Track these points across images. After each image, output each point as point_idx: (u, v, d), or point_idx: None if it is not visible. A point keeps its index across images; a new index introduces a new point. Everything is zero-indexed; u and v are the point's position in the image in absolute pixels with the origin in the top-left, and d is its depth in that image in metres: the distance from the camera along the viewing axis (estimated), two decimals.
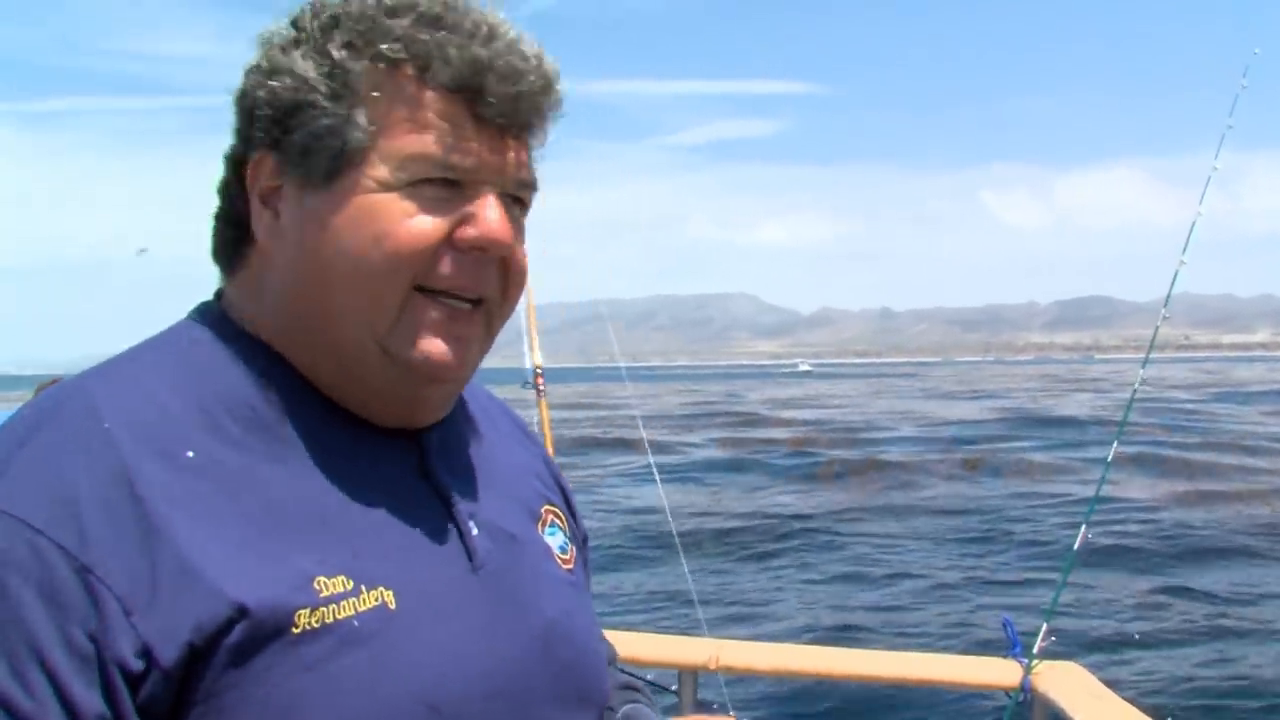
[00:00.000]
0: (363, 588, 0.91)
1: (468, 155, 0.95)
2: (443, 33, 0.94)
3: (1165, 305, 3.10)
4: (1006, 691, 2.85)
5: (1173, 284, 3.03)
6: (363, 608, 0.90)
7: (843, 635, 10.04)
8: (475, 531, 1.03)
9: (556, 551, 1.15)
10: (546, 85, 0.98)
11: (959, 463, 24.15)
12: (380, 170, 0.94)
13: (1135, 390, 3.11)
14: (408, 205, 0.94)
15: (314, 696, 0.86)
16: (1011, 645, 2.90)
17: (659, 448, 29.23)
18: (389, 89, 0.94)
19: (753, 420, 41.27)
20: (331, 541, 0.92)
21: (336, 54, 0.94)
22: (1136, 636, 10.18)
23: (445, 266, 0.96)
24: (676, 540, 6.68)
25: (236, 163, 1.01)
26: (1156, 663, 9.33)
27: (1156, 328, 3.09)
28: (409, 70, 0.94)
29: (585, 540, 1.29)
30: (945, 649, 8.79)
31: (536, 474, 1.24)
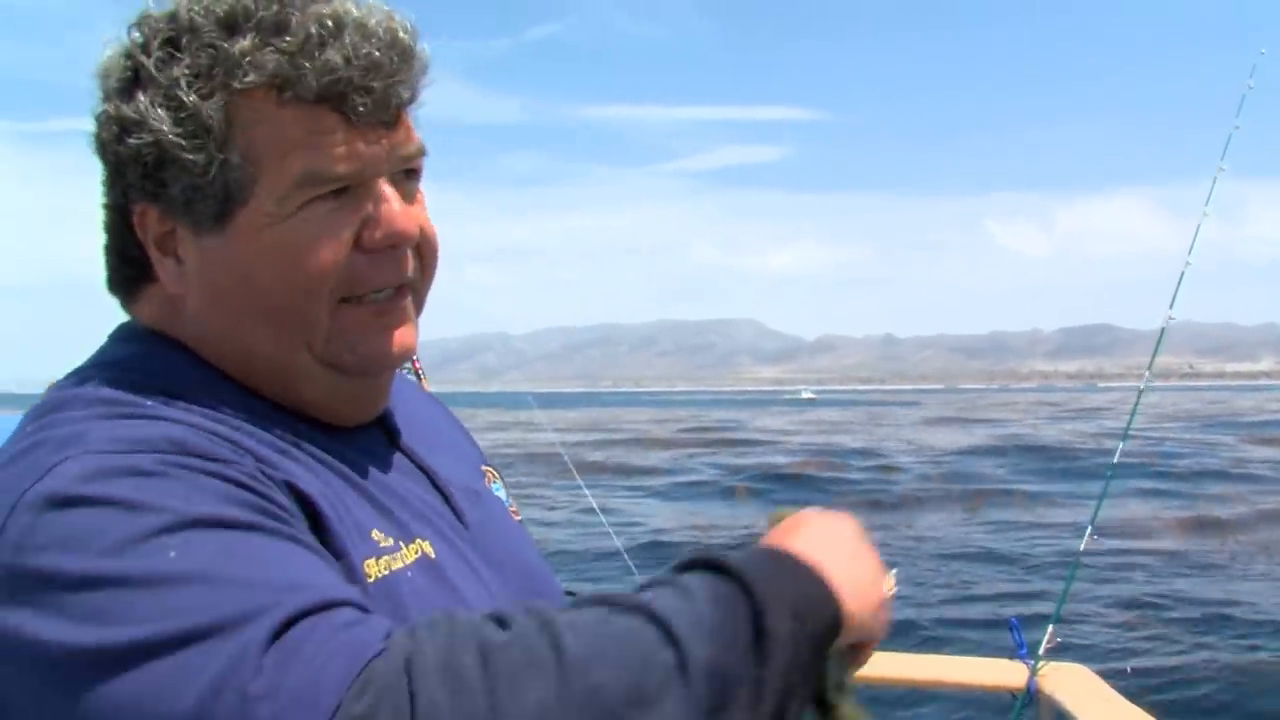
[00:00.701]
0: (402, 543, 0.95)
1: (346, 160, 0.91)
2: (288, 40, 0.88)
3: (1171, 306, 3.10)
4: (1012, 693, 2.83)
5: (1179, 284, 3.04)
6: (410, 559, 0.95)
7: None
8: (454, 494, 1.10)
9: (506, 504, 1.23)
10: (405, 56, 0.94)
11: (960, 484, 24.09)
12: (267, 203, 0.91)
13: (1141, 391, 3.11)
14: (306, 230, 0.92)
15: None
16: (1018, 647, 2.88)
17: (661, 472, 29.22)
18: (252, 118, 0.90)
19: (753, 444, 41.23)
20: (360, 506, 0.96)
21: (188, 99, 0.89)
22: (1141, 640, 10.24)
23: (361, 272, 0.95)
24: (620, 547, 6.80)
25: (118, 208, 0.98)
26: (1161, 666, 9.37)
27: (1163, 329, 3.10)
28: (266, 93, 0.89)
29: None
30: (950, 652, 8.78)
31: (465, 435, 1.32)
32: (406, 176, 0.99)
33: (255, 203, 0.91)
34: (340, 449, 1.00)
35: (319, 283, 0.93)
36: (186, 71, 0.90)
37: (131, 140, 0.91)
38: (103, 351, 1.01)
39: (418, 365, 4.15)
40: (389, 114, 0.93)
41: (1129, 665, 9.22)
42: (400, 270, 0.98)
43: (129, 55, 0.93)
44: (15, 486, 0.79)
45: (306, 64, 0.88)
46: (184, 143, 0.90)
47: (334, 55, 0.89)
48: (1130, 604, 11.80)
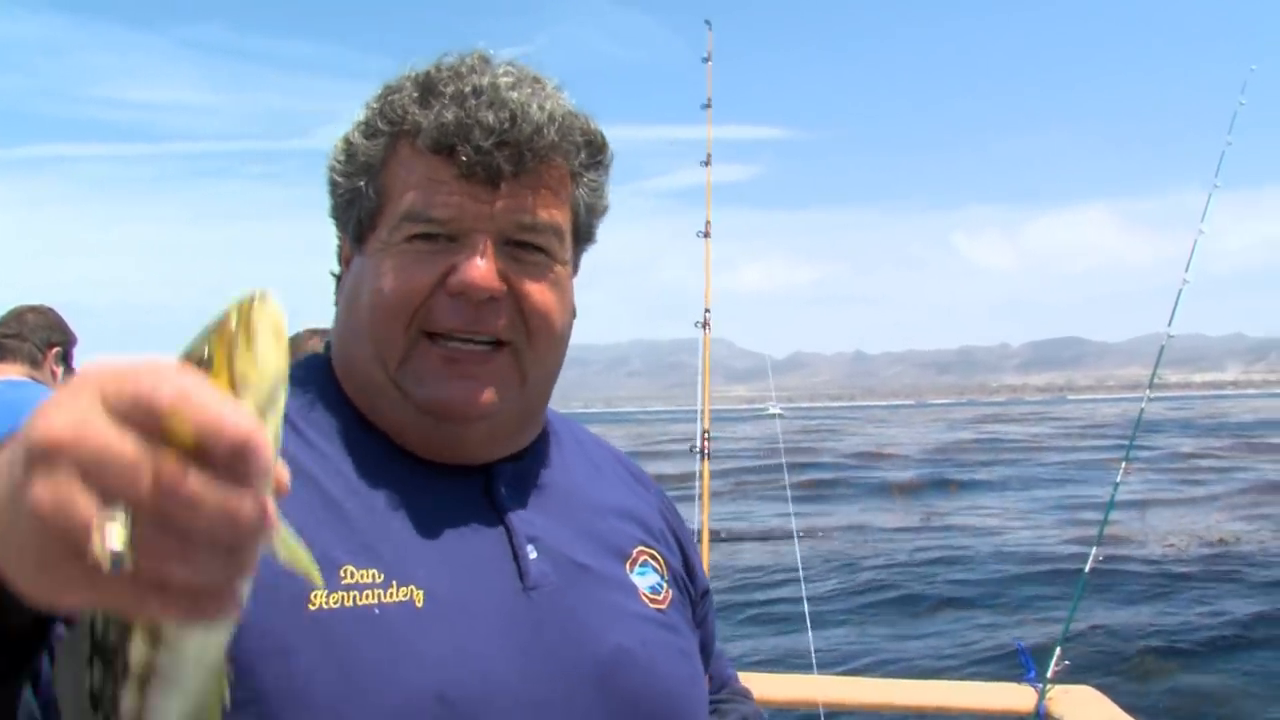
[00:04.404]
0: (394, 583, 0.99)
1: (444, 208, 1.04)
2: (431, 100, 1.06)
3: (1170, 324, 3.13)
4: (1021, 717, 2.81)
5: (1177, 300, 3.08)
6: (388, 600, 0.98)
7: (850, 667, 9.94)
8: (534, 555, 1.10)
9: (645, 591, 1.19)
10: (534, 131, 1.04)
11: (946, 495, 24.17)
12: (383, 232, 1.08)
13: (1142, 411, 3.13)
14: (399, 260, 1.06)
15: (328, 669, 0.93)
16: (1025, 670, 2.87)
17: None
18: (391, 160, 1.08)
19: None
20: (375, 541, 1.01)
21: (354, 138, 1.10)
22: (1151, 659, 10.22)
23: (441, 311, 1.06)
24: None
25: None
26: (1171, 685, 9.35)
27: (1162, 348, 3.14)
28: (405, 140, 1.07)
29: (706, 592, 1.35)
30: (957, 676, 8.72)
31: (639, 518, 1.28)
32: (523, 248, 1.08)
33: (378, 231, 1.09)
34: (411, 481, 1.07)
35: (399, 306, 1.06)
36: (363, 118, 1.11)
37: (327, 170, 1.14)
38: (307, 357, 1.17)
39: (706, 444, 4.13)
40: (496, 172, 1.04)
41: (1139, 685, 9.20)
42: (480, 320, 1.06)
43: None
44: None
45: (431, 117, 1.04)
46: (338, 168, 1.12)
47: (447, 116, 1.03)
48: (1139, 622, 11.69)
